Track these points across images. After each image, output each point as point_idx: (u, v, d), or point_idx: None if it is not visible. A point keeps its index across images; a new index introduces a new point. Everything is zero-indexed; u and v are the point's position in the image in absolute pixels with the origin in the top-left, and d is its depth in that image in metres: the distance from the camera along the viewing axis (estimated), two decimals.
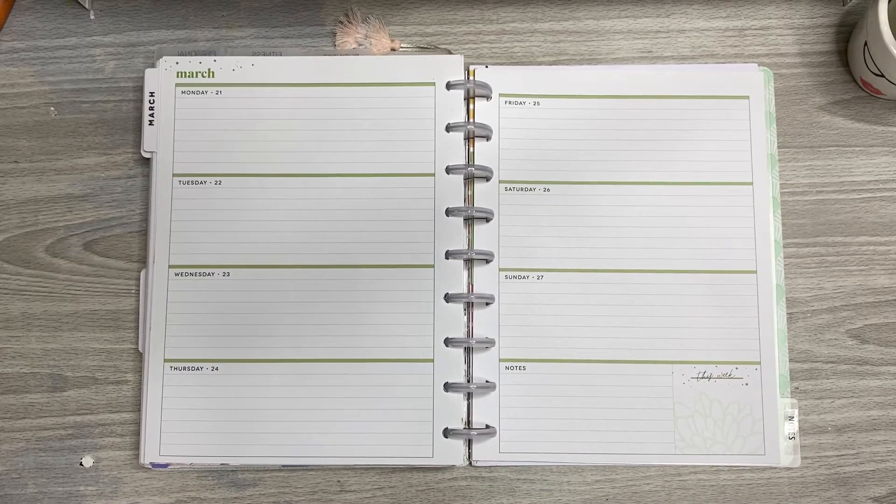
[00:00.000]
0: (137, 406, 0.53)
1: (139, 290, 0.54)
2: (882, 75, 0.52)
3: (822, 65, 0.57)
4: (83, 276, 0.55)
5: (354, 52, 0.56)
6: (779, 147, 0.55)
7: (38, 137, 0.56)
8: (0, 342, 0.54)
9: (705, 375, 0.53)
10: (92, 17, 0.57)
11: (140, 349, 0.53)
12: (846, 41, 0.57)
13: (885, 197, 0.55)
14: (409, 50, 0.56)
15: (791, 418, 0.52)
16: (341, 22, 0.56)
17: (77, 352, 0.54)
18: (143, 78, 0.55)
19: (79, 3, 0.57)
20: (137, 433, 0.53)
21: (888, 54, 0.50)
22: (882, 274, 0.55)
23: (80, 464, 0.53)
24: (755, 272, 0.53)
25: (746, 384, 0.52)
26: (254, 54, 0.55)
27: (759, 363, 0.53)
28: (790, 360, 0.53)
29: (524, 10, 0.57)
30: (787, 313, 0.54)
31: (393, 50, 0.56)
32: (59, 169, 0.56)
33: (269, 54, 0.55)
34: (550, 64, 0.56)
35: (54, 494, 0.53)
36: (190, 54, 0.55)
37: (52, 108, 0.56)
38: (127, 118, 0.56)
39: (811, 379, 0.54)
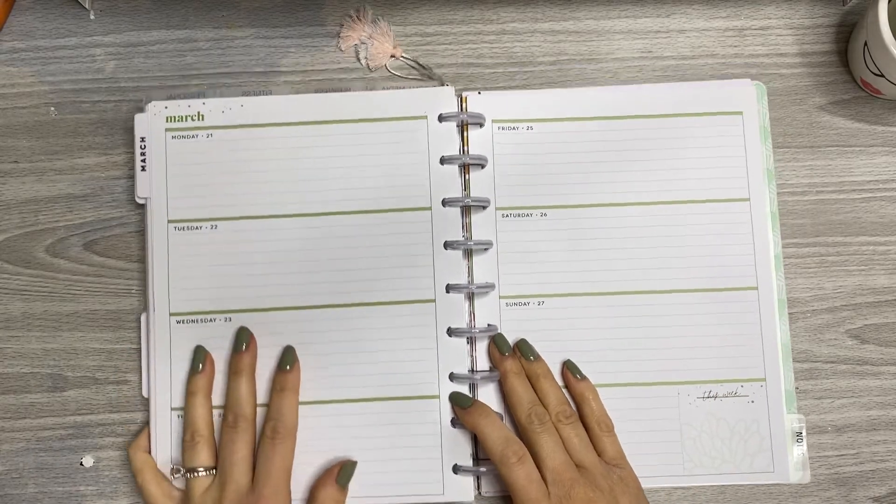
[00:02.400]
0: (138, 406, 0.53)
1: (140, 335, 0.53)
2: (882, 75, 0.52)
3: (822, 65, 0.57)
4: (83, 276, 0.55)
5: (353, 50, 0.55)
6: (779, 147, 0.55)
7: (38, 137, 0.56)
8: (0, 342, 0.54)
9: (711, 395, 0.52)
10: (92, 17, 0.57)
11: (144, 395, 0.53)
12: (846, 41, 0.57)
13: (885, 197, 0.55)
14: (402, 75, 0.56)
15: (799, 434, 0.52)
16: (350, 16, 0.56)
17: (77, 352, 0.54)
18: (143, 78, 0.55)
19: (79, 3, 0.57)
20: (138, 433, 0.53)
21: (888, 54, 0.50)
22: (882, 274, 0.55)
23: (81, 464, 0.53)
24: (756, 288, 0.53)
25: (752, 402, 0.52)
26: (244, 94, 0.54)
27: (765, 380, 0.52)
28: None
29: (524, 10, 0.57)
30: (788, 313, 0.54)
31: (392, 56, 0.56)
32: (59, 169, 0.56)
33: (259, 93, 0.55)
34: (551, 64, 0.56)
35: (54, 494, 0.53)
36: (178, 98, 0.54)
37: (52, 108, 0.56)
38: (127, 118, 0.56)
39: (811, 379, 0.54)
